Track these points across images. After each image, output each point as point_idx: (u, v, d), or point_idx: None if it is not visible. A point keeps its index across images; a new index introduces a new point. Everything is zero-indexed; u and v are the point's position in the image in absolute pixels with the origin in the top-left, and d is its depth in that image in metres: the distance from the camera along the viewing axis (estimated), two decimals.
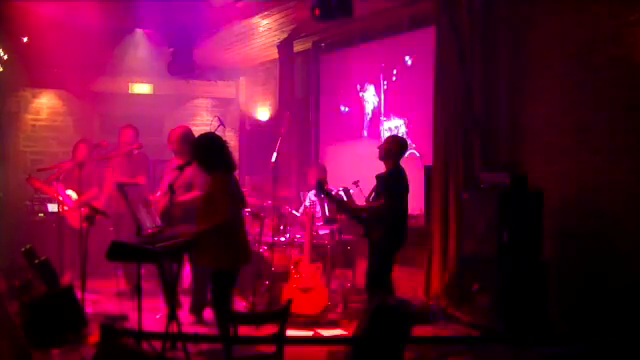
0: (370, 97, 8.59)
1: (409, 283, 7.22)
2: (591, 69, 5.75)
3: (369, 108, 8.62)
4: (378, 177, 6.13)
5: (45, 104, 10.02)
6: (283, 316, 4.04)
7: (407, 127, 7.93)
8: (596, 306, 5.58)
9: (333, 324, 6.39)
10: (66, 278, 7.14)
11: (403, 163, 6.20)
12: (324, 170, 7.89)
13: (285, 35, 9.35)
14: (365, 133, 8.67)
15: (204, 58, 9.80)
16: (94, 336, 5.46)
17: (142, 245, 5.06)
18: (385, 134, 8.00)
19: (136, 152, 7.69)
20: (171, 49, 9.08)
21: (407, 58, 7.96)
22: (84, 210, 6.74)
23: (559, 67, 6.05)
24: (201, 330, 6.18)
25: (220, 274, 5.11)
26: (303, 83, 9.86)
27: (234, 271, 5.17)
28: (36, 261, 6.24)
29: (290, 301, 4.22)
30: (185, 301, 6.68)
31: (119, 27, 9.10)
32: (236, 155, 10.41)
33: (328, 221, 7.25)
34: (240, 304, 6.83)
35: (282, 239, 7.30)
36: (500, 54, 6.54)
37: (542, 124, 6.19)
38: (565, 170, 5.95)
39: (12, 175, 9.32)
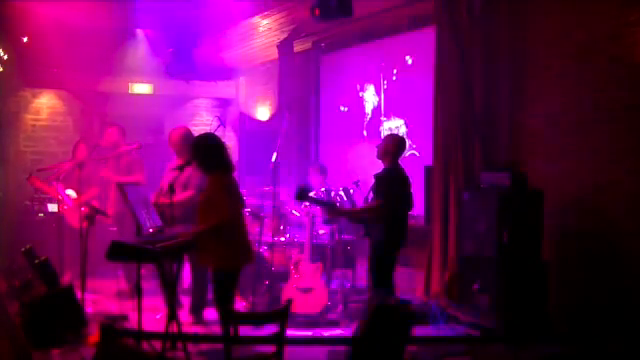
0: (370, 97, 8.60)
1: (409, 283, 7.22)
2: (591, 69, 5.75)
3: (369, 108, 8.62)
4: (375, 176, 6.10)
5: (45, 104, 10.02)
6: (283, 316, 4.04)
7: (407, 127, 7.94)
8: (596, 306, 5.58)
9: (333, 324, 6.39)
10: (66, 278, 7.14)
11: (403, 163, 6.18)
12: (324, 170, 7.89)
13: (285, 35, 9.36)
14: (365, 133, 8.67)
15: (204, 58, 9.81)
16: (94, 336, 5.46)
17: (142, 245, 5.05)
18: (385, 134, 7.99)
19: (134, 152, 7.68)
20: (171, 49, 9.08)
21: (407, 58, 7.96)
22: (84, 210, 6.74)
23: (559, 67, 6.05)
24: (201, 330, 6.18)
25: (221, 274, 5.11)
26: (303, 83, 9.86)
27: (235, 271, 5.17)
28: (36, 261, 6.25)
29: (290, 301, 4.22)
30: (185, 301, 6.69)
31: (119, 27, 9.10)
32: (236, 155, 10.43)
33: (328, 221, 7.24)
34: (240, 304, 6.83)
35: (282, 239, 7.30)
36: (500, 54, 6.53)
37: (542, 124, 6.19)
38: (565, 170, 5.95)
39: (12, 175, 9.32)
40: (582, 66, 5.83)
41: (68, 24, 8.29)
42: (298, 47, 9.72)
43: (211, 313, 6.21)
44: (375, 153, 6.18)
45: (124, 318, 6.19)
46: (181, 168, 5.75)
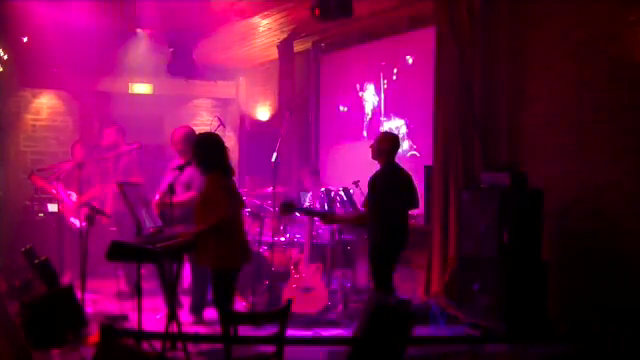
0: (370, 96, 8.60)
1: (409, 283, 7.22)
2: (591, 69, 5.75)
3: (369, 108, 8.62)
4: (368, 181, 5.97)
5: (45, 104, 10.03)
6: (283, 316, 4.04)
7: (408, 127, 7.93)
8: (596, 306, 5.58)
9: (333, 324, 6.39)
10: (66, 278, 7.14)
11: (403, 163, 6.17)
12: (317, 171, 7.89)
13: (285, 35, 9.36)
14: (365, 133, 8.67)
15: (204, 58, 9.81)
16: (94, 336, 5.46)
17: (142, 245, 5.05)
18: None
19: (134, 153, 7.67)
20: (171, 49, 9.08)
21: (407, 57, 7.96)
22: (84, 210, 6.74)
23: (559, 67, 6.05)
24: (201, 330, 6.18)
25: (220, 273, 5.11)
26: (303, 83, 9.86)
27: (234, 270, 5.17)
28: (36, 261, 6.25)
29: (290, 301, 4.21)
30: (185, 301, 6.69)
31: (119, 27, 9.09)
32: (236, 155, 10.43)
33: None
34: (240, 304, 6.83)
35: (282, 239, 7.30)
36: (500, 54, 6.53)
37: (542, 124, 6.19)
38: (565, 170, 5.95)
39: (12, 175, 9.33)
40: (582, 66, 5.83)
41: (68, 24, 8.28)
42: (298, 47, 9.72)
43: (211, 313, 6.21)
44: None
45: (124, 318, 6.20)
46: (181, 168, 5.75)
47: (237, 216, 5.21)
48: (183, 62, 9.08)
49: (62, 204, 7.66)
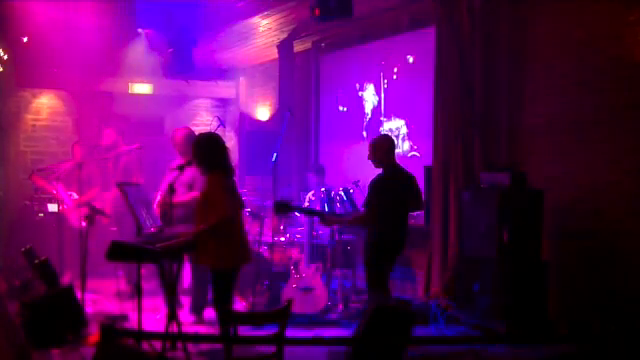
0: (370, 96, 8.59)
1: (409, 283, 7.22)
2: (591, 69, 5.75)
3: (369, 108, 8.62)
4: (369, 184, 5.92)
5: (45, 104, 10.02)
6: (283, 316, 4.04)
7: (408, 128, 7.93)
8: (596, 306, 5.58)
9: (333, 324, 6.39)
10: (66, 278, 7.14)
11: (404, 163, 6.16)
12: (322, 170, 7.88)
13: (285, 35, 9.36)
14: (365, 133, 8.67)
15: (204, 58, 9.80)
16: (94, 336, 5.46)
17: (142, 245, 5.05)
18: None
19: (134, 153, 7.67)
20: (171, 49, 9.08)
21: (407, 57, 7.95)
22: (84, 210, 6.74)
23: (559, 67, 6.05)
24: (201, 330, 6.18)
25: (220, 273, 5.11)
26: (303, 83, 9.86)
27: (234, 270, 5.16)
28: (36, 261, 6.25)
29: (290, 301, 4.22)
30: (185, 301, 6.69)
31: (119, 27, 9.09)
32: (236, 155, 10.42)
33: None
34: (240, 304, 6.83)
35: (282, 239, 7.30)
36: (500, 54, 6.54)
37: (542, 124, 6.19)
38: (565, 170, 5.95)
39: (12, 175, 9.32)
40: (582, 66, 5.83)
41: (68, 24, 8.28)
42: (298, 47, 9.72)
43: (211, 313, 6.21)
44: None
45: (124, 318, 6.20)
46: (181, 168, 5.74)
47: (237, 216, 5.21)
48: (183, 62, 9.08)
49: (62, 204, 7.66)
